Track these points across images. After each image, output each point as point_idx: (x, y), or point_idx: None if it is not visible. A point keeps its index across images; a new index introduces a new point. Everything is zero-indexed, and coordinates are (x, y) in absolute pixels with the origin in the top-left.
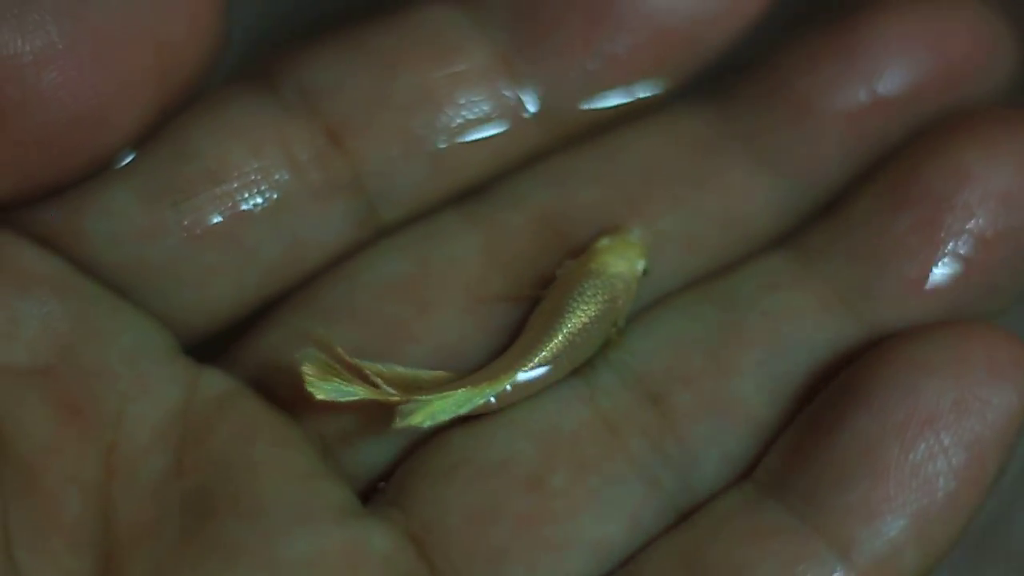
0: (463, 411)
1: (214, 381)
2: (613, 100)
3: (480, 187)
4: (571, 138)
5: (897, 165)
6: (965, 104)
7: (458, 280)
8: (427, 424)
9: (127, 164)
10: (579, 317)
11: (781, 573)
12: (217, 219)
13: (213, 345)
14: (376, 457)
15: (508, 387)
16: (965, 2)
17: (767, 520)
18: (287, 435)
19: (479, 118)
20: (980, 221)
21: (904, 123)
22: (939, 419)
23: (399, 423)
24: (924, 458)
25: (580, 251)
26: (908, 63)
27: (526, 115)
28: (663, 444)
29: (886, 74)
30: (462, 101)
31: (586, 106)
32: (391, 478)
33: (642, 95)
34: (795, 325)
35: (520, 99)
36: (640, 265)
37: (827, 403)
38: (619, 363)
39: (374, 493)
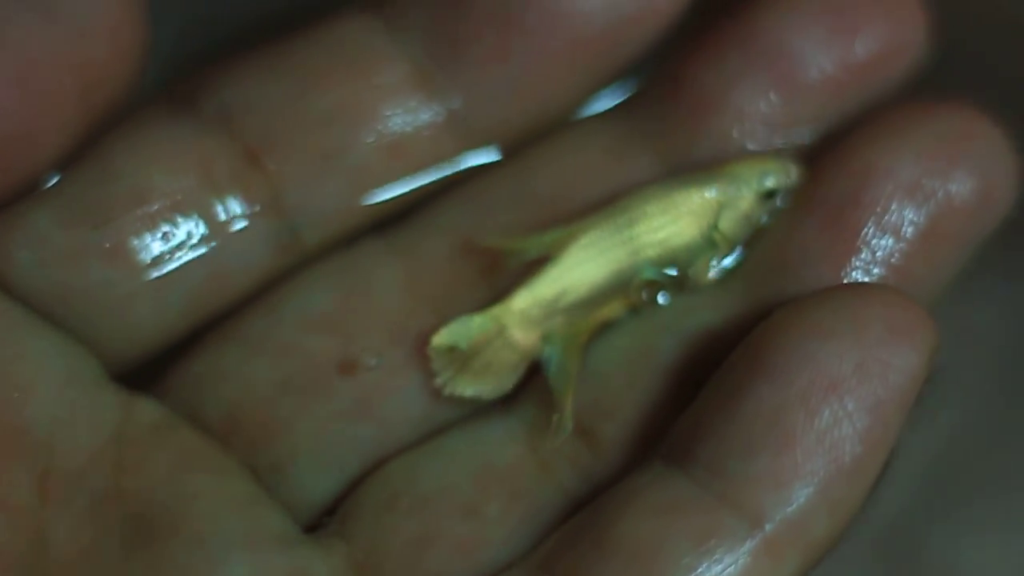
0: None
1: (147, 409)
2: (531, 112)
3: (402, 206)
4: (491, 152)
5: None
6: (882, 91)
7: (381, 312)
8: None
9: (50, 186)
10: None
11: (691, 546)
12: (138, 242)
13: (144, 374)
14: (315, 488)
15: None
16: None
17: (675, 494)
18: (223, 463)
19: (399, 133)
20: (891, 217)
21: (817, 113)
22: (842, 384)
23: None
24: (829, 424)
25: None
26: (815, 48)
27: (445, 128)
28: (593, 474)
29: (791, 62)
30: (381, 116)
31: (506, 118)
32: (335, 513)
33: (562, 105)
34: (709, 343)
35: (439, 113)
36: (769, 182)
37: (728, 373)
38: (549, 399)
39: (317, 527)
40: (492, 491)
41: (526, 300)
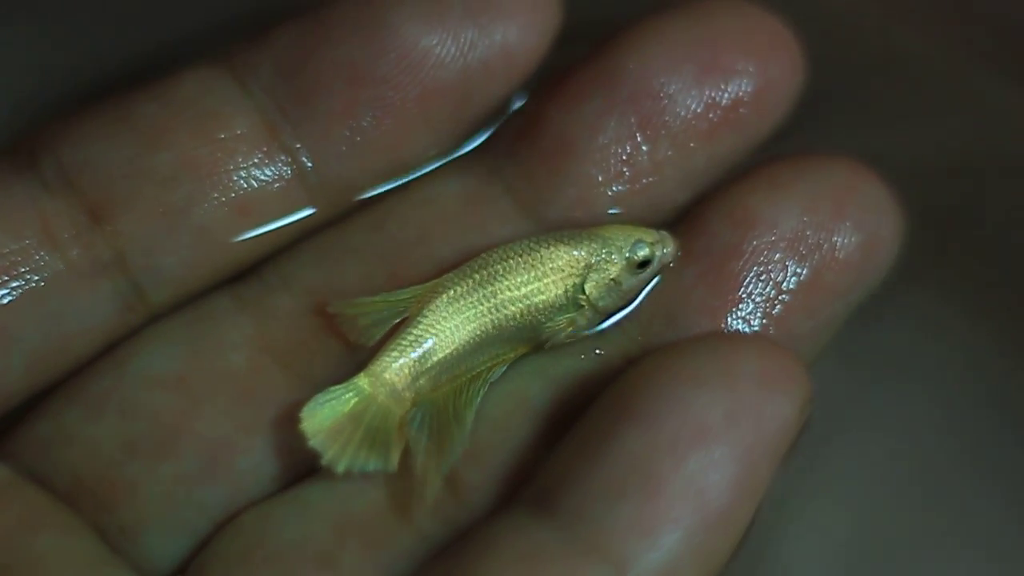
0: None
1: None
2: (383, 164)
3: (250, 261)
4: (342, 206)
5: (681, 216)
6: (756, 133)
7: (229, 370)
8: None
9: None
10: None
11: None
12: None
13: None
14: (165, 549)
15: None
16: (738, 4)
17: (537, 540)
18: (69, 524)
19: (246, 189)
20: (772, 268)
21: (686, 157)
22: (711, 431)
23: None
24: (697, 471)
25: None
26: (684, 88)
27: (294, 183)
28: (456, 521)
29: (659, 103)
30: (227, 172)
31: (356, 171)
32: (188, 568)
33: (415, 157)
34: (582, 389)
35: (288, 167)
36: (642, 252)
37: (596, 417)
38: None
39: None
40: (349, 540)
41: (390, 365)
